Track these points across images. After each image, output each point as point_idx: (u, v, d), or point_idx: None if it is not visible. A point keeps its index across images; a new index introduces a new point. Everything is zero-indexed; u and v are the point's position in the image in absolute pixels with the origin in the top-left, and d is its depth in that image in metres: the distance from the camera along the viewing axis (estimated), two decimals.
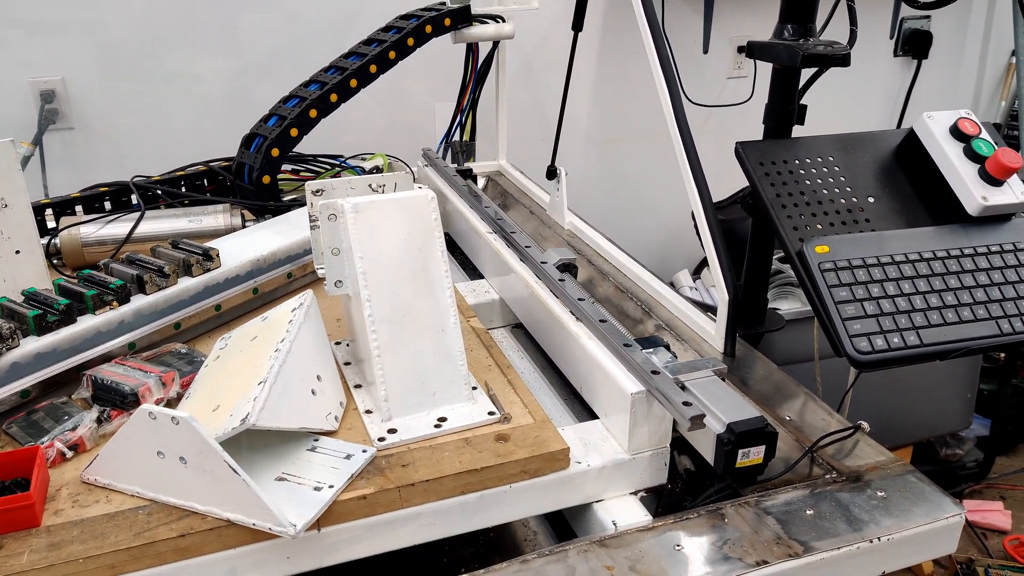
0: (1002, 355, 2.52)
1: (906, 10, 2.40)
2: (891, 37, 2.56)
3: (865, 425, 0.97)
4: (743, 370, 1.07)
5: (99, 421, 0.91)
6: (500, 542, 1.06)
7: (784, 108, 1.06)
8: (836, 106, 2.31)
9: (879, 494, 0.85)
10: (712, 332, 1.11)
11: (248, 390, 0.85)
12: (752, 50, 1.05)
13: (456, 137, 1.73)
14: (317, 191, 1.01)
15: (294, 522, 0.76)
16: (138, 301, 1.04)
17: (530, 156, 1.84)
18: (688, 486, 1.02)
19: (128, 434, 0.80)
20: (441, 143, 1.74)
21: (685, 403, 0.83)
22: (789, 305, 2.00)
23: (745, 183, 2.16)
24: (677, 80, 1.06)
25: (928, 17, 2.47)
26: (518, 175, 1.72)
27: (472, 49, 1.65)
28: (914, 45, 2.59)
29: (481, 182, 1.77)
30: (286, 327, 0.94)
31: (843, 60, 0.96)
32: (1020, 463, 2.58)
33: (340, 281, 0.97)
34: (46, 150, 1.89)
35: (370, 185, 1.04)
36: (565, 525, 0.98)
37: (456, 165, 1.68)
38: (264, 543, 0.79)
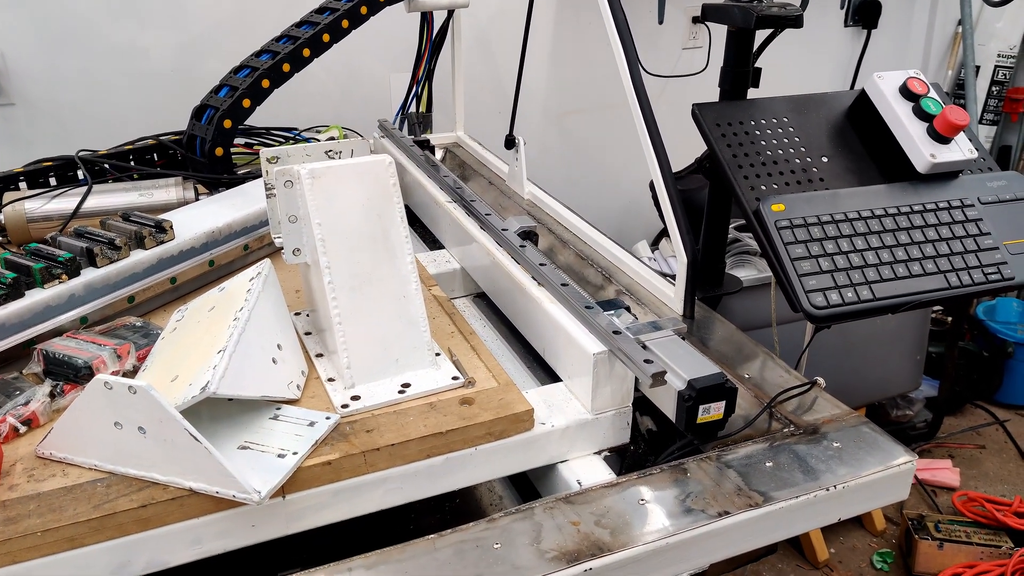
0: (949, 318, 2.60)
1: None
2: (841, 7, 2.60)
3: (821, 381, 0.99)
4: (702, 331, 1.09)
5: (52, 395, 0.89)
6: (466, 508, 1.07)
7: (739, 71, 1.07)
8: (788, 76, 2.34)
9: (835, 445, 0.87)
10: (672, 296, 1.12)
11: (207, 359, 0.83)
12: (706, 13, 1.05)
13: (412, 109, 1.71)
14: (272, 158, 1.00)
15: (258, 488, 0.75)
16: (89, 274, 1.01)
17: (487, 127, 1.83)
18: (650, 446, 1.03)
19: (83, 406, 0.78)
20: (397, 115, 1.72)
21: (647, 361, 0.84)
22: (746, 273, 2.03)
23: (701, 152, 2.18)
24: (635, 52, 1.06)
25: None
26: (476, 146, 1.71)
27: (427, 18, 1.63)
28: (864, 15, 2.63)
29: (439, 154, 1.75)
30: (244, 296, 0.92)
31: (796, 21, 0.97)
32: (967, 422, 2.67)
33: (298, 249, 0.95)
34: None
35: (327, 152, 1.02)
36: (531, 488, 0.99)
37: (413, 137, 1.67)
38: (228, 511, 0.78)
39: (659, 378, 0.82)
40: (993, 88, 2.99)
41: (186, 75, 1.96)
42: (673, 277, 1.13)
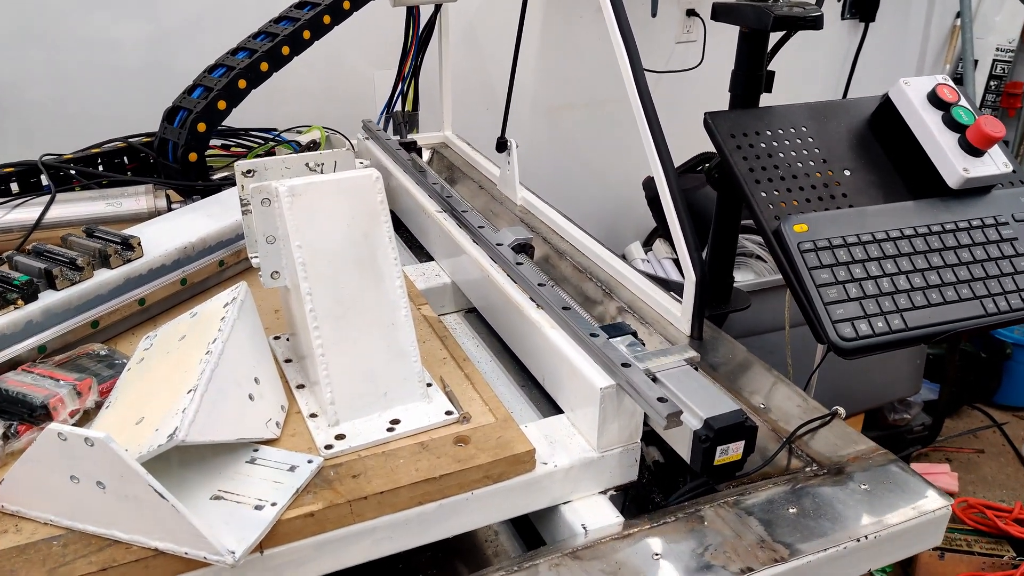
0: None
1: None
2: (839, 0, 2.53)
3: (841, 411, 0.93)
4: (710, 353, 1.02)
5: (5, 437, 0.80)
6: (459, 544, 1.00)
7: (752, 75, 1.00)
8: (781, 71, 2.27)
9: (863, 487, 0.80)
10: (677, 314, 1.05)
11: (176, 400, 0.75)
12: (717, 13, 0.98)
13: (398, 107, 1.63)
14: (248, 172, 0.91)
15: (232, 548, 0.68)
16: (47, 298, 0.93)
17: (476, 125, 1.74)
18: (656, 478, 0.97)
19: (36, 457, 0.70)
20: (382, 114, 1.63)
21: (660, 399, 0.76)
22: (743, 276, 1.97)
23: (698, 152, 2.10)
24: (635, 47, 0.99)
25: None
26: (465, 147, 1.63)
27: (413, 13, 1.54)
28: (861, 8, 2.56)
29: (426, 155, 1.67)
30: (218, 325, 0.84)
31: (815, 22, 0.90)
32: (965, 425, 2.63)
33: (277, 272, 0.87)
34: None
35: (307, 164, 0.94)
36: (530, 526, 0.91)
37: (399, 137, 1.58)
38: (199, 571, 0.70)
39: (674, 419, 0.75)
40: (991, 82, 2.94)
41: (160, 71, 1.86)
42: (669, 283, 1.06)
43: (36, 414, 0.81)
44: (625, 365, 0.81)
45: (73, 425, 0.77)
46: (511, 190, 1.40)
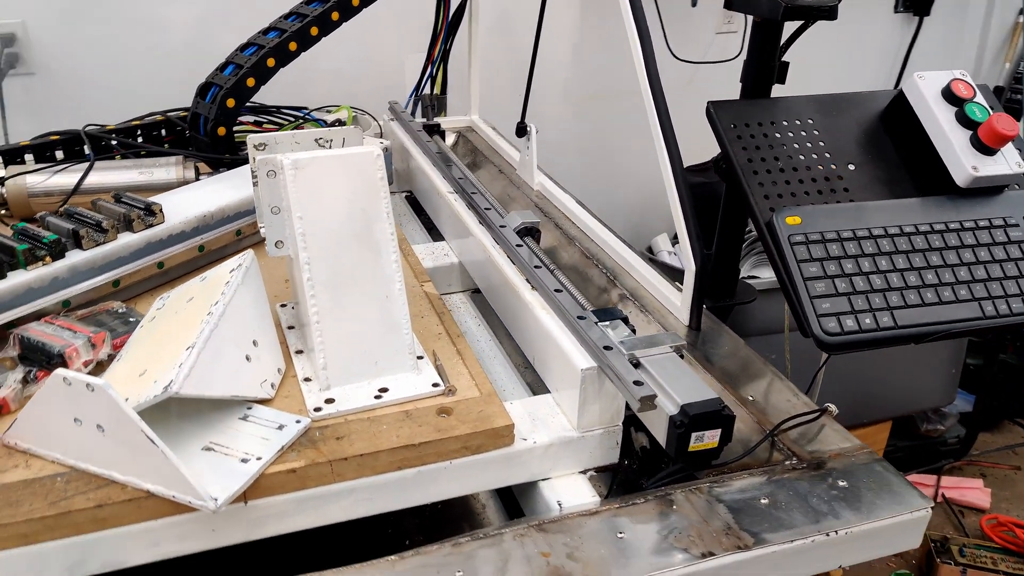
0: None
1: None
2: None
3: (832, 408, 0.92)
4: (708, 345, 1.02)
5: (25, 381, 0.86)
6: (449, 513, 1.03)
7: (764, 65, 0.99)
8: (830, 64, 2.22)
9: (841, 483, 0.80)
10: (678, 303, 1.06)
11: (176, 355, 0.80)
12: (731, 1, 0.97)
13: (427, 90, 1.66)
14: (260, 145, 0.95)
15: (215, 496, 0.72)
16: (73, 257, 0.98)
17: (507, 110, 1.76)
18: (644, 464, 0.98)
19: (44, 399, 0.75)
20: (411, 97, 1.66)
21: (636, 382, 0.78)
22: (769, 273, 1.94)
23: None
24: (649, 38, 0.99)
25: None
26: (490, 131, 1.65)
27: None
28: (915, 1, 2.49)
29: (451, 138, 1.70)
30: (222, 289, 0.88)
31: (829, 13, 0.89)
32: (1003, 440, 2.55)
33: (280, 242, 0.91)
34: (6, 96, 1.81)
35: (317, 140, 0.97)
36: (516, 500, 0.94)
37: (424, 120, 1.61)
38: (187, 515, 0.75)
39: (647, 402, 0.76)
40: None
41: (204, 50, 1.91)
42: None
43: (53, 362, 0.86)
44: (607, 348, 0.83)
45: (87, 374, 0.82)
46: (529, 175, 1.42)
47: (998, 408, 2.53)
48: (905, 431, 2.40)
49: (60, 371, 0.72)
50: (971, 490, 2.33)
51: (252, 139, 0.95)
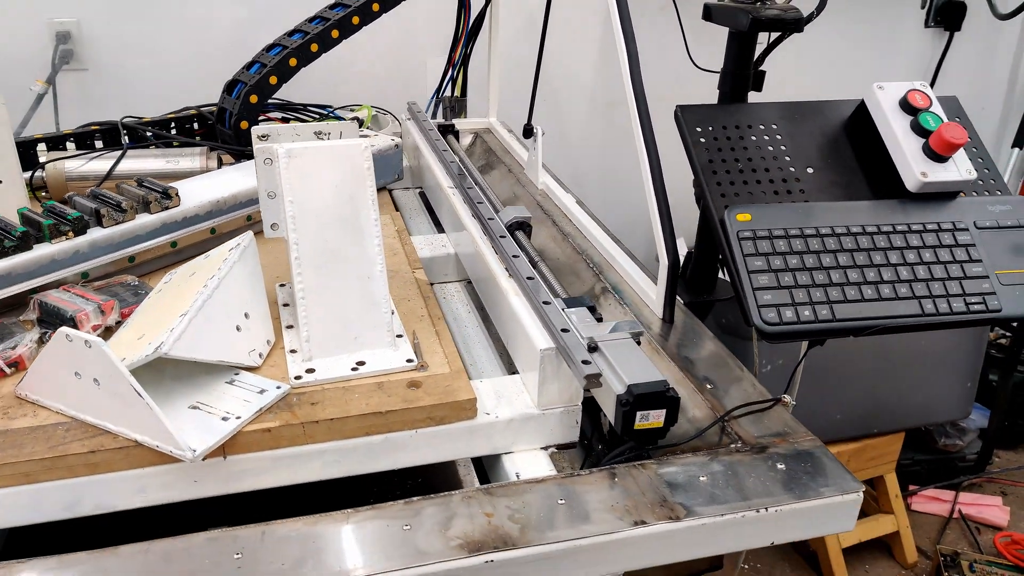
0: (1006, 339, 2.42)
1: None
2: (923, 7, 2.45)
3: (787, 398, 0.96)
4: (678, 337, 1.07)
5: (41, 342, 0.96)
6: (434, 482, 1.09)
7: (739, 73, 1.03)
8: (861, 77, 2.23)
9: (779, 466, 0.84)
10: (654, 298, 1.10)
11: (171, 321, 0.88)
12: (709, 13, 1.02)
13: (448, 92, 1.73)
14: (263, 136, 1.03)
15: (194, 447, 0.80)
16: (94, 233, 1.08)
17: (526, 114, 1.83)
18: (612, 445, 1.03)
19: (50, 354, 0.84)
20: (432, 98, 1.74)
21: (584, 362, 0.83)
22: None
23: None
24: (634, 40, 1.05)
25: None
26: (505, 133, 1.72)
27: (464, 5, 1.64)
28: (947, 15, 2.47)
29: (469, 138, 1.77)
30: (219, 265, 0.96)
31: (795, 25, 0.93)
32: None
33: (276, 224, 0.99)
34: (60, 89, 1.95)
35: (316, 132, 1.05)
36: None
37: (444, 120, 1.69)
38: (171, 465, 0.82)
39: (593, 380, 0.82)
40: None
41: (245, 49, 2.03)
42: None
43: (65, 324, 0.96)
44: (564, 331, 0.89)
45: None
46: (534, 174, 1.48)
47: (1020, 426, 2.48)
48: (923, 445, 2.38)
49: (63, 329, 0.81)
50: (989, 507, 2.30)
51: (256, 130, 1.03)
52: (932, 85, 2.59)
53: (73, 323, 0.95)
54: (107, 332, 0.98)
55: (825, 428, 1.99)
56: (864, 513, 2.26)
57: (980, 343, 2.08)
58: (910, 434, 2.23)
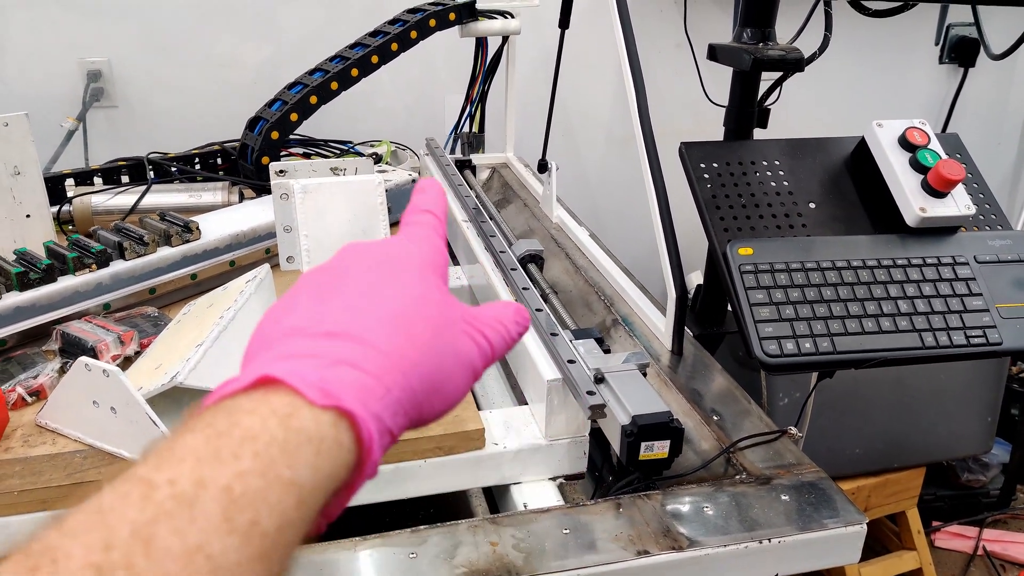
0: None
1: (953, 15, 2.30)
2: (936, 43, 2.47)
3: (793, 430, 0.96)
4: (689, 370, 1.08)
5: (62, 371, 0.99)
6: (448, 510, 1.10)
7: (743, 111, 1.05)
8: (876, 114, 2.24)
9: (783, 497, 0.85)
10: (663, 329, 1.12)
11: (187, 351, 0.91)
12: (714, 53, 1.05)
13: (466, 128, 1.77)
14: (280, 171, 1.07)
15: None
16: (116, 266, 1.12)
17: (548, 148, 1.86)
18: (620, 475, 1.03)
19: (69, 383, 0.87)
20: (451, 134, 1.78)
21: (589, 392, 0.85)
22: None
23: None
24: (640, 73, 1.08)
25: (975, 24, 2.37)
26: (521, 168, 1.75)
27: (481, 44, 1.68)
28: (960, 52, 2.49)
29: (486, 173, 1.80)
30: (236, 297, 0.99)
31: (796, 65, 0.96)
32: None
33: (291, 257, 1.03)
34: (90, 125, 2.02)
35: (332, 168, 1.09)
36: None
37: (460, 156, 1.72)
38: None
39: (598, 411, 0.83)
40: None
41: (270, 87, 2.10)
42: None
43: (86, 354, 0.99)
44: (571, 362, 0.90)
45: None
46: (549, 208, 1.50)
47: None
48: (945, 480, 2.34)
49: (83, 358, 0.84)
50: (1015, 544, 2.26)
51: (274, 166, 1.07)
52: (948, 121, 2.61)
53: (93, 353, 0.98)
54: (126, 362, 1.01)
55: (845, 463, 1.97)
56: (887, 549, 2.22)
57: (1000, 378, 2.06)
58: (932, 469, 2.20)
